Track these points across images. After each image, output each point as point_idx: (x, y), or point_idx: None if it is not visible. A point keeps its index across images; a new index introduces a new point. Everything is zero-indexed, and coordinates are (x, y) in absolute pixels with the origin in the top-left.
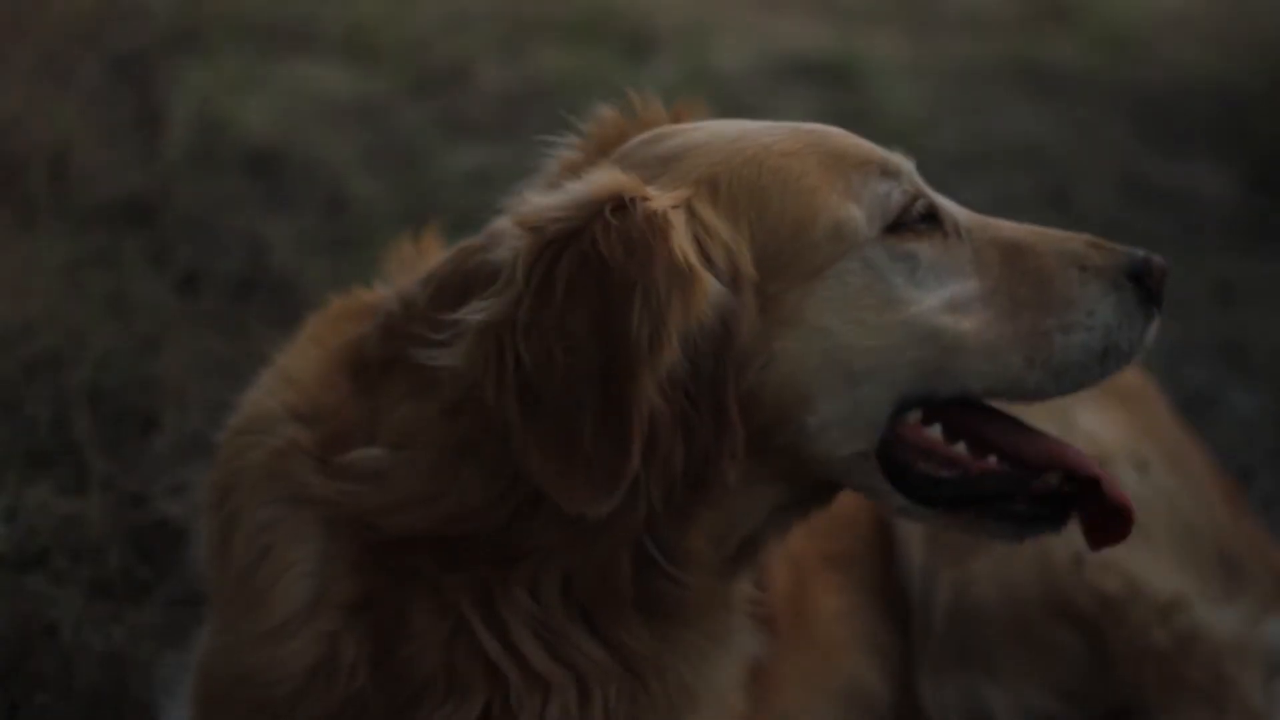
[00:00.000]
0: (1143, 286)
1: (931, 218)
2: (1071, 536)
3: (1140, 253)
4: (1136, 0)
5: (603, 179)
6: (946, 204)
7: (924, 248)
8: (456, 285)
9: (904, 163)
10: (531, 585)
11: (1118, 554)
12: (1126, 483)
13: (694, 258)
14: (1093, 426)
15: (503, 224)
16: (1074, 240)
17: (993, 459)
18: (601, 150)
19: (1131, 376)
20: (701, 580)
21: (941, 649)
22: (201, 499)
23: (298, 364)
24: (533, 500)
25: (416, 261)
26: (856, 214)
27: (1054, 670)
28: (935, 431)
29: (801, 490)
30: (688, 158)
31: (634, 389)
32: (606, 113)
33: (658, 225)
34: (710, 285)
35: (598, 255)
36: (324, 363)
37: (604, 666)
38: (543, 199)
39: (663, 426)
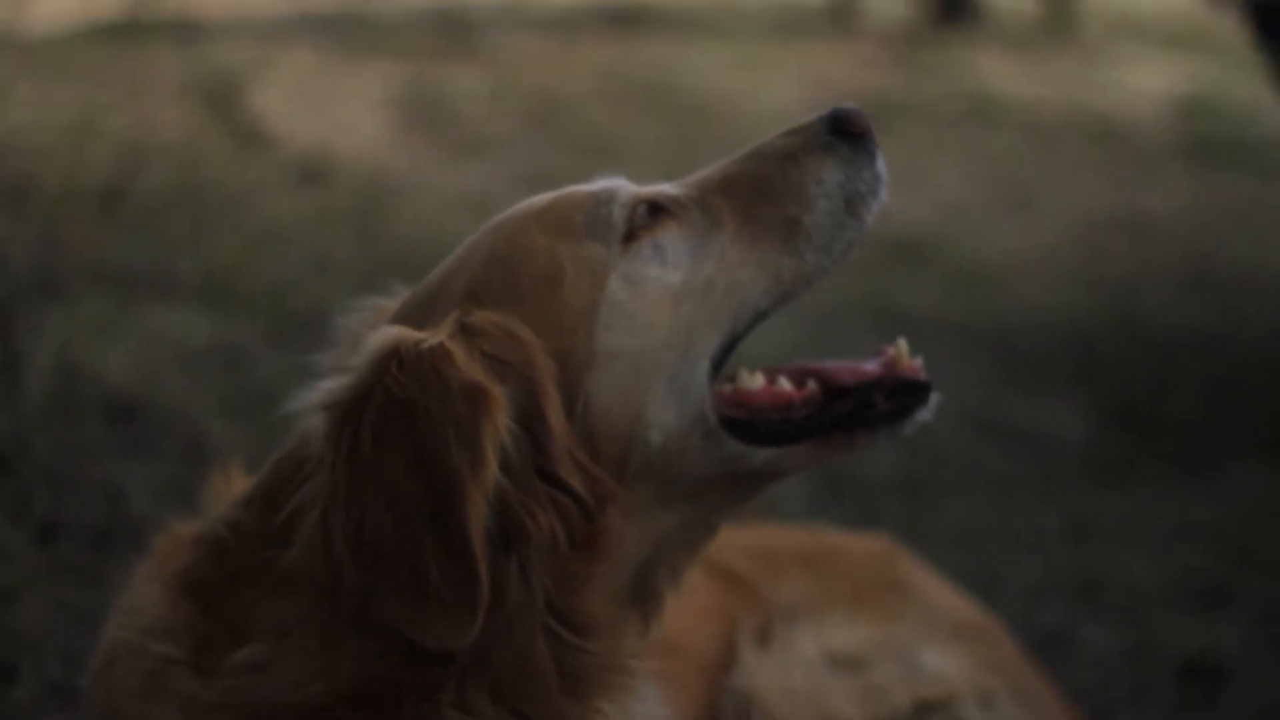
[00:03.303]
0: (849, 134)
1: (656, 210)
2: None
3: (828, 110)
4: (989, 243)
5: (375, 339)
6: (662, 188)
7: (663, 234)
8: (281, 492)
9: (611, 183)
10: (460, 702)
11: None
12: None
13: (481, 373)
14: (936, 664)
15: (306, 425)
16: (770, 142)
17: (812, 384)
18: None
19: (976, 615)
20: (609, 644)
21: None
22: None
23: (139, 599)
24: None
25: (227, 494)
26: (592, 246)
27: None
28: (784, 383)
29: (681, 508)
30: (439, 295)
31: (467, 516)
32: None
33: (440, 357)
34: (503, 392)
35: (396, 404)
36: (163, 592)
37: None
38: (331, 381)
39: (524, 520)
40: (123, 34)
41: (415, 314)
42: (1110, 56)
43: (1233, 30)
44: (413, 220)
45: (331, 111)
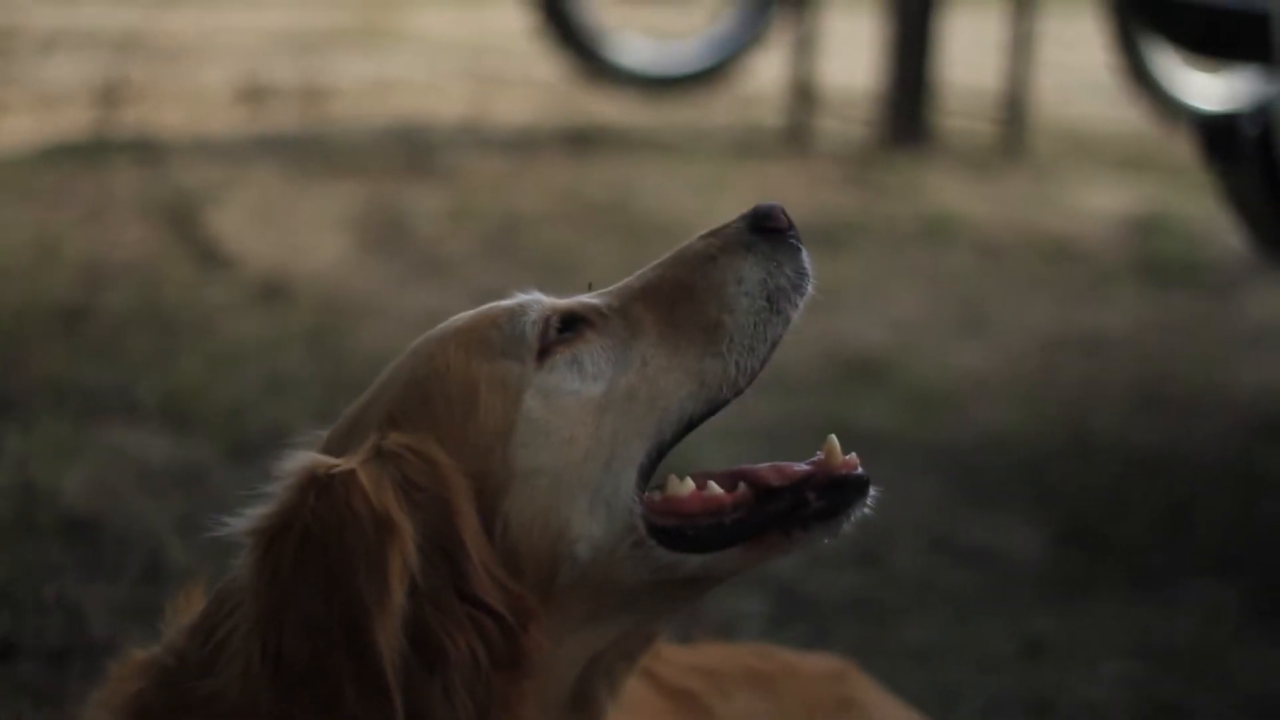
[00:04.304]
0: (769, 231)
1: (573, 321)
2: None
3: (749, 209)
4: (943, 362)
5: (291, 466)
6: (581, 298)
7: (581, 346)
8: (219, 618)
9: (524, 299)
10: None
11: None
12: None
13: (391, 500)
14: None
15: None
16: (691, 244)
17: (743, 487)
18: None
19: None
20: None
21: None
22: None
23: None
24: None
25: (184, 618)
26: (507, 364)
27: None
28: (714, 487)
29: (614, 619)
30: (362, 419)
31: (378, 644)
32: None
33: (349, 486)
34: (414, 518)
35: (309, 532)
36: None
37: None
38: (256, 508)
39: (443, 641)
40: (82, 155)
41: (341, 439)
42: (1063, 177)
43: (1185, 151)
44: (372, 340)
45: (291, 232)
